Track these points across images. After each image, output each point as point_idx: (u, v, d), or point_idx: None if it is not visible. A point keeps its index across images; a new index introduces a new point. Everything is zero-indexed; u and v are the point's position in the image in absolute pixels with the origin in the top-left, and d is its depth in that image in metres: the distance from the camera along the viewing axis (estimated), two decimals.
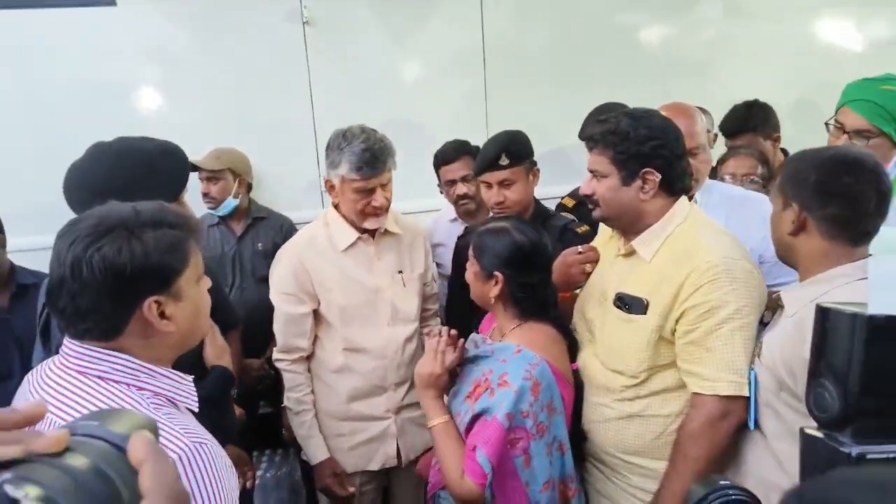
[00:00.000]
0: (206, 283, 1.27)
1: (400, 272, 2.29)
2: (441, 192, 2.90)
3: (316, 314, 2.25)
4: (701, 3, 3.74)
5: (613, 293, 1.82)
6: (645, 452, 1.79)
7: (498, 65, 3.48)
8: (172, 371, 1.19)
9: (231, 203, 3.06)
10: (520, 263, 1.79)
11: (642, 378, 1.76)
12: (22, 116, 2.99)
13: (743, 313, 1.64)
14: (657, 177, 1.75)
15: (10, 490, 0.42)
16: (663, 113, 2.04)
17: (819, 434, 0.72)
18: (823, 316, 0.75)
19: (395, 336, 2.26)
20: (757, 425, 1.63)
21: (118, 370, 1.11)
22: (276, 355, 2.29)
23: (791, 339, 1.50)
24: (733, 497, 0.80)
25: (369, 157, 2.08)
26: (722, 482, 0.82)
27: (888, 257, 0.76)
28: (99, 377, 1.11)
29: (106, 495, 0.46)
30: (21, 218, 2.53)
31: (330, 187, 2.21)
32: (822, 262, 1.55)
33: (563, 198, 2.95)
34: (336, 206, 2.25)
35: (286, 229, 3.08)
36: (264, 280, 2.49)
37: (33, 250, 2.35)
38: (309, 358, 2.29)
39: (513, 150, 2.33)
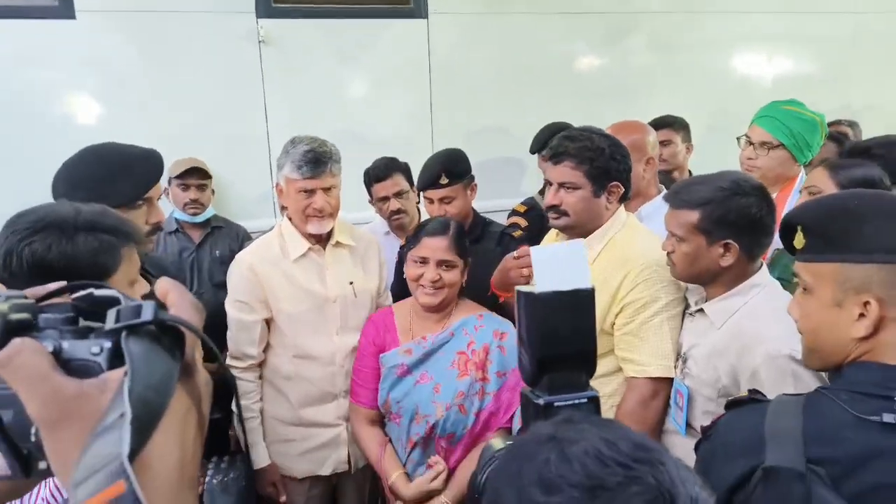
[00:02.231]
0: (142, 287, 1.30)
1: (351, 283, 2.30)
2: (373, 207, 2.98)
3: (268, 321, 2.26)
4: (629, 35, 4.00)
5: None
6: None
7: (443, 84, 3.66)
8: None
9: (211, 210, 3.18)
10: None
11: None
12: None
13: (670, 307, 1.88)
14: (621, 189, 1.97)
15: None
16: (616, 129, 2.30)
17: (526, 391, 0.88)
18: (518, 298, 0.90)
19: (343, 345, 2.27)
20: (689, 430, 1.78)
21: None
22: (228, 361, 2.29)
23: (730, 350, 1.67)
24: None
25: (311, 157, 2.12)
26: (511, 441, 0.91)
27: (546, 247, 0.97)
28: None
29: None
30: None
31: (279, 191, 2.25)
32: (738, 278, 1.74)
33: (515, 206, 3.13)
34: (290, 219, 2.29)
35: (242, 237, 3.18)
36: (221, 286, 2.52)
37: None
38: (261, 365, 2.31)
39: (451, 169, 2.51)
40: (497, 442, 0.93)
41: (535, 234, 2.63)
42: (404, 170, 2.82)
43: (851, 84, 4.39)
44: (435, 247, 2.06)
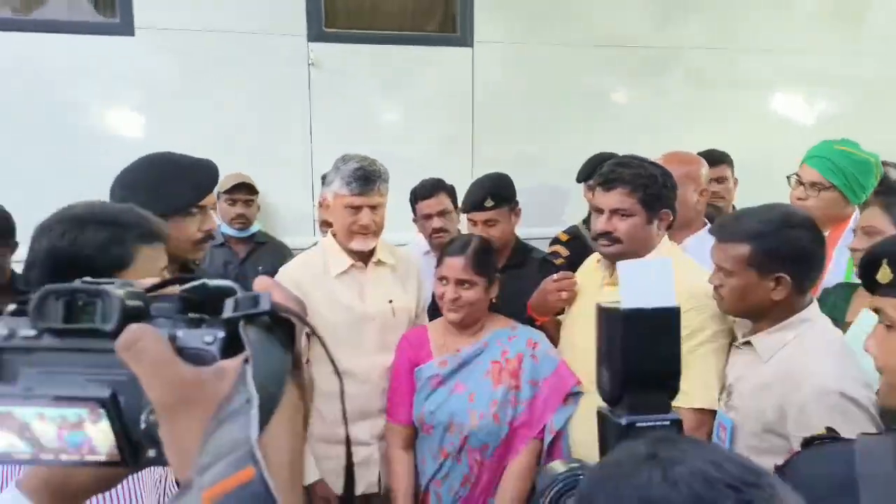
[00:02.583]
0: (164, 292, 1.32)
1: (391, 302, 2.29)
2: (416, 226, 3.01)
3: (309, 337, 2.25)
4: (667, 70, 4.03)
5: None
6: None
7: (485, 111, 3.71)
8: None
9: (256, 226, 3.24)
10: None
11: None
12: (42, 133, 3.10)
13: (717, 337, 1.84)
14: (671, 217, 1.97)
15: None
16: (670, 158, 2.33)
17: (605, 411, 0.87)
18: (598, 314, 0.88)
19: (380, 363, 2.24)
20: None
21: None
22: None
23: (777, 384, 1.64)
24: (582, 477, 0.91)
25: (361, 174, 2.14)
26: (573, 465, 0.91)
27: (633, 262, 0.97)
28: None
29: None
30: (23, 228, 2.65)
31: (325, 206, 2.27)
32: (787, 312, 1.70)
33: (558, 234, 3.12)
34: (334, 234, 2.31)
35: (285, 254, 3.19)
36: None
37: None
38: None
39: (497, 192, 2.54)
40: (558, 465, 0.91)
41: (576, 263, 2.62)
42: (450, 191, 2.86)
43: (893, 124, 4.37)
44: (454, 266, 2.08)
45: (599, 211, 1.99)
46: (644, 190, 1.91)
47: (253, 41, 3.35)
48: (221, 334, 0.48)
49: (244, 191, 3.16)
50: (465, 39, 3.64)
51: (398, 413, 2.18)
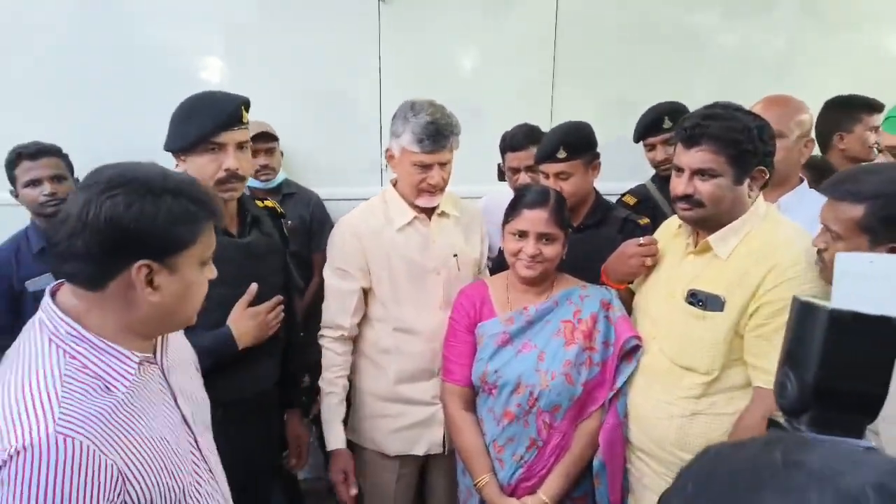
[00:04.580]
0: (211, 272, 1.22)
1: (455, 255, 2.20)
2: (501, 177, 2.84)
3: (367, 293, 2.18)
4: (776, 4, 3.59)
5: (685, 290, 1.76)
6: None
7: (567, 54, 3.39)
8: (121, 349, 1.11)
9: (282, 175, 3.04)
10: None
11: (715, 375, 1.70)
12: (100, 76, 3.03)
13: None
14: (767, 175, 1.70)
15: None
16: (770, 103, 2.10)
17: (781, 420, 0.72)
18: (794, 307, 0.74)
19: (445, 320, 2.13)
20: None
21: (61, 335, 1.08)
22: (321, 331, 2.21)
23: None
24: None
25: (433, 130, 2.00)
26: None
27: (858, 256, 0.80)
28: (49, 337, 1.08)
29: None
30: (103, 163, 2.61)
31: (389, 157, 2.14)
32: None
33: (622, 195, 2.84)
34: (394, 184, 2.20)
35: (314, 204, 3.04)
36: (293, 255, 2.39)
37: None
38: (356, 340, 2.21)
39: (571, 143, 2.26)
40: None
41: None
42: None
43: None
44: (535, 219, 1.92)
45: (680, 170, 1.73)
46: (736, 146, 1.63)
47: None
48: None
49: (263, 139, 2.90)
50: None
51: (455, 372, 2.05)
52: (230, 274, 1.76)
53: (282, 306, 1.98)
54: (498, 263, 2.46)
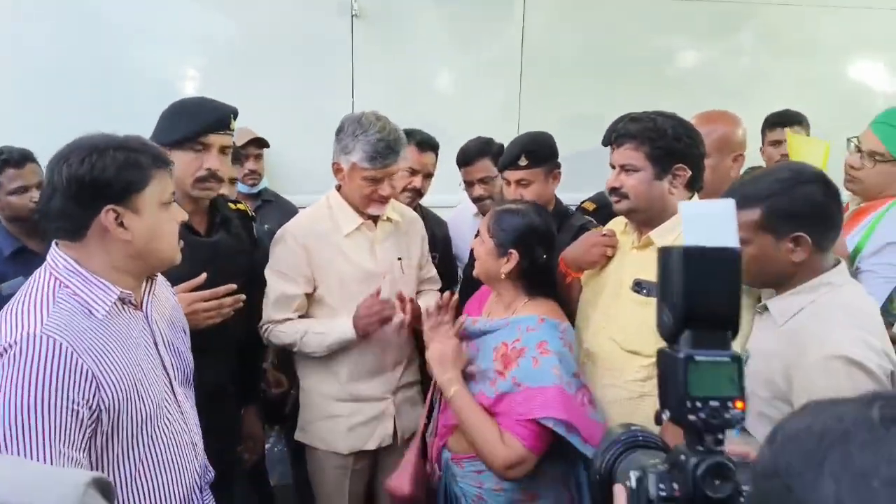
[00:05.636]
0: (176, 214, 1.43)
1: (399, 259, 2.28)
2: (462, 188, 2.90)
3: (312, 297, 2.21)
4: (738, 28, 3.73)
5: (631, 280, 1.88)
6: (654, 430, 1.82)
7: (534, 70, 3.50)
8: (106, 282, 1.32)
9: (265, 182, 3.13)
10: (534, 242, 1.88)
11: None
12: (84, 91, 3.10)
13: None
14: (688, 173, 1.85)
15: None
16: (703, 118, 2.24)
17: (666, 349, 0.84)
18: (659, 254, 0.86)
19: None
20: (742, 432, 1.65)
21: (60, 269, 1.31)
22: (262, 325, 2.23)
23: (787, 350, 1.53)
24: (640, 439, 0.92)
25: (383, 147, 2.06)
26: (633, 428, 0.94)
27: (697, 203, 0.94)
28: (50, 271, 1.31)
29: None
30: None
31: (337, 170, 2.17)
32: (809, 275, 1.58)
33: (582, 202, 2.92)
34: (339, 188, 2.24)
35: (291, 213, 3.04)
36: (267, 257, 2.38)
37: None
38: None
39: (533, 151, 2.34)
40: (616, 428, 0.95)
41: None
42: (496, 154, 2.66)
43: None
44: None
45: (613, 167, 1.93)
46: (651, 144, 1.82)
47: None
48: None
49: (256, 145, 3.06)
50: None
51: None
52: (195, 272, 1.81)
53: (231, 298, 1.93)
54: (467, 275, 2.53)
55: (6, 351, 1.17)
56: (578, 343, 1.99)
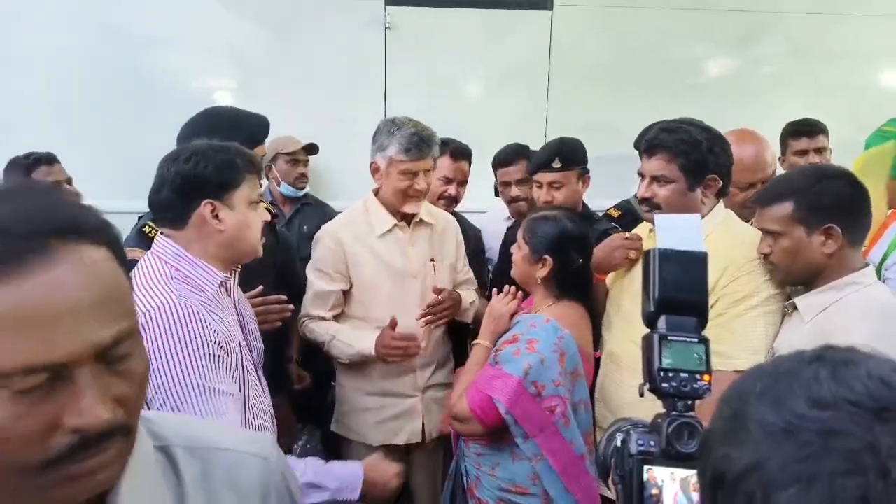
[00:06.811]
0: (262, 213, 1.62)
1: (432, 260, 2.37)
2: (497, 193, 2.97)
3: (347, 295, 2.32)
4: (763, 37, 3.77)
5: None
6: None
7: (561, 78, 3.57)
8: (210, 267, 1.51)
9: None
10: (567, 248, 1.94)
11: None
12: (112, 99, 3.24)
13: (770, 302, 1.75)
14: (719, 183, 1.88)
15: None
16: (737, 136, 2.22)
17: (647, 330, 1.00)
18: (644, 257, 1.04)
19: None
20: None
21: (167, 253, 1.50)
22: (301, 318, 2.35)
23: (813, 344, 1.56)
24: (640, 427, 0.98)
25: (417, 140, 2.18)
26: (635, 419, 1.02)
27: (668, 216, 1.21)
28: (158, 255, 1.50)
29: None
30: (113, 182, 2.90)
31: (375, 170, 2.29)
32: (839, 271, 1.63)
33: (608, 209, 2.95)
34: (376, 193, 2.35)
35: (329, 215, 3.18)
36: (307, 260, 2.49)
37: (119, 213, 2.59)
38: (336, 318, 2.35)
39: (566, 154, 2.43)
40: (620, 420, 1.03)
41: None
42: (531, 158, 2.72)
43: None
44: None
45: (643, 177, 1.95)
46: (686, 156, 1.85)
47: (327, 5, 3.35)
48: None
49: (310, 151, 3.24)
50: (545, 2, 3.50)
51: None
52: None
53: (279, 307, 2.05)
54: (499, 271, 2.60)
55: (150, 313, 1.37)
56: (602, 345, 2.05)
